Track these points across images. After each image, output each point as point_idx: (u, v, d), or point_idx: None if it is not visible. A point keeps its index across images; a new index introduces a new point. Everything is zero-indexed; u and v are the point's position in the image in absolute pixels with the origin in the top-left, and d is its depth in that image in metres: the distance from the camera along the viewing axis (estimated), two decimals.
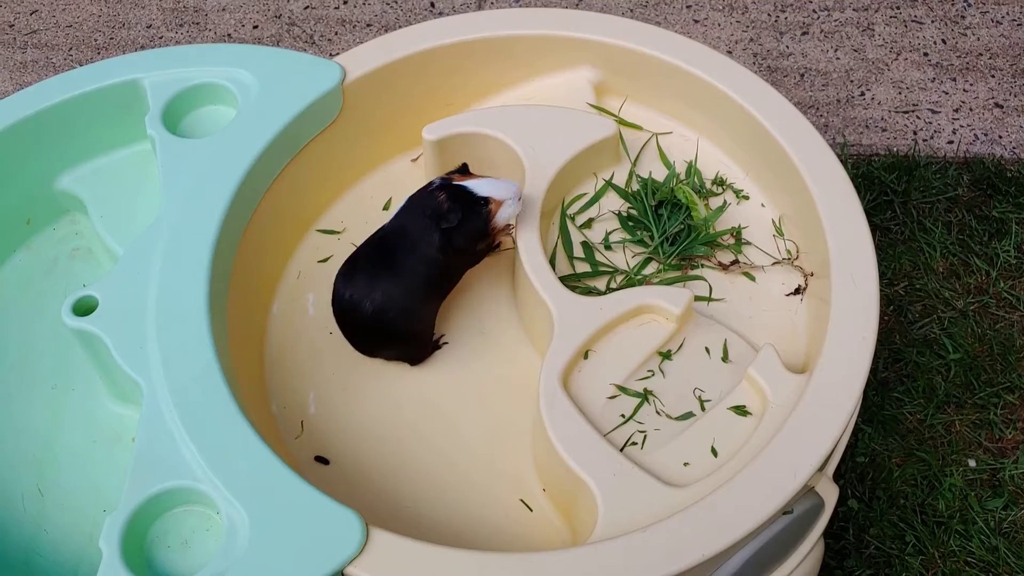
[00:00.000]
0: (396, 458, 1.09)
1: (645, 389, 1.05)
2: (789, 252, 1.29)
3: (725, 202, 1.34)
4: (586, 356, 1.14)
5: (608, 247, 1.29)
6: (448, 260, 1.08)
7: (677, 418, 1.11)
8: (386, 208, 1.38)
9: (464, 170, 1.17)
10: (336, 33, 2.08)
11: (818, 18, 2.08)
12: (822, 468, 1.02)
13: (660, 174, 1.36)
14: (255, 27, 2.11)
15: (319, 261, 1.27)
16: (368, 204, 1.39)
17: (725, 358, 1.16)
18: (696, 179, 1.35)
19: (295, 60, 1.34)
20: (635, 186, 1.34)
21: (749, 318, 1.23)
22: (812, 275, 1.24)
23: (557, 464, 1.04)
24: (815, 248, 1.21)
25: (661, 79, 1.37)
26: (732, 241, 1.29)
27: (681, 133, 1.40)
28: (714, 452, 1.07)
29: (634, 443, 1.08)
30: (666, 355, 1.15)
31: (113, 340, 1.08)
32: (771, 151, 1.26)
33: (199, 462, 0.98)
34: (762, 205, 1.34)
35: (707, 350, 1.16)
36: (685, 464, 1.06)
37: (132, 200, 1.33)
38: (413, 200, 1.16)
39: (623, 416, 1.10)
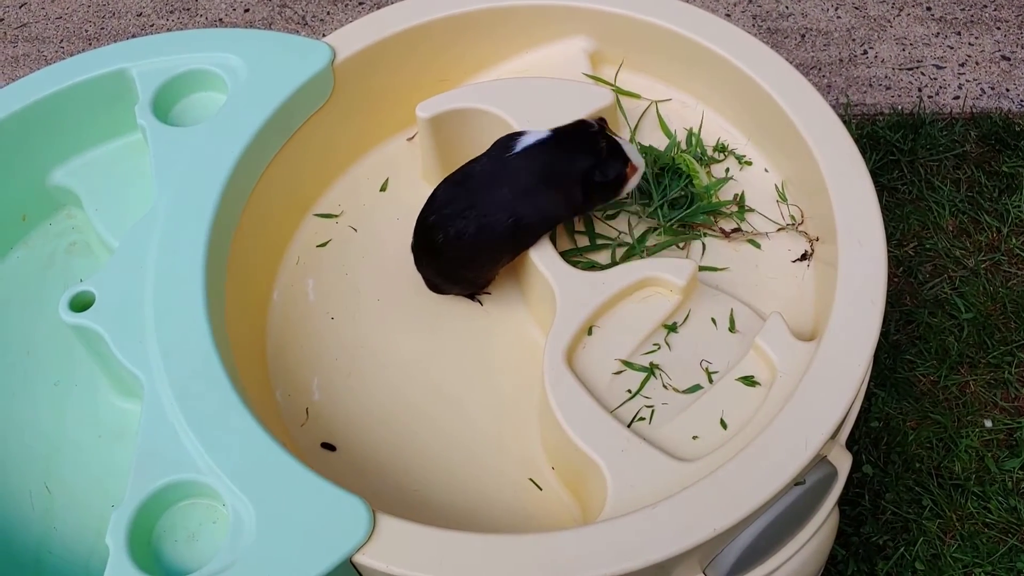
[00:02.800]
0: (403, 441, 1.08)
1: (651, 363, 1.04)
2: (793, 218, 1.26)
3: (727, 170, 1.31)
4: (590, 332, 1.12)
5: (609, 218, 1.27)
6: (576, 207, 1.09)
7: (684, 391, 1.09)
8: (383, 189, 1.36)
9: (605, 121, 1.14)
10: (328, 13, 2.05)
11: None
12: (834, 436, 1.00)
13: (661, 143, 1.33)
14: (247, 10, 2.08)
15: (318, 246, 1.27)
16: (365, 186, 1.38)
17: (732, 328, 1.14)
18: (698, 147, 1.33)
19: (283, 42, 1.32)
20: None
21: (755, 286, 1.21)
22: (818, 240, 1.21)
23: (565, 443, 1.03)
24: (820, 212, 1.18)
25: (658, 45, 1.34)
26: (735, 208, 1.27)
27: (681, 100, 1.38)
28: (723, 424, 1.05)
29: (642, 418, 1.07)
30: (671, 328, 1.13)
31: (111, 335, 1.07)
32: (772, 115, 1.23)
33: (202, 455, 0.97)
34: (765, 171, 1.31)
35: (713, 321, 1.14)
36: (694, 438, 1.05)
37: (127, 192, 1.31)
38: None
39: (630, 391, 1.09)
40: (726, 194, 1.27)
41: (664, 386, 1.09)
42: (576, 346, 1.10)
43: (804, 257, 1.23)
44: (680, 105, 1.37)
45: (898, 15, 1.91)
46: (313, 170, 1.27)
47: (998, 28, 1.89)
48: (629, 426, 1.05)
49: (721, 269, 1.20)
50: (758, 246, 1.24)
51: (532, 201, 1.09)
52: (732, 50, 1.26)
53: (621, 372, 1.10)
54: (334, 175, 1.33)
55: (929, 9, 1.92)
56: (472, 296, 1.18)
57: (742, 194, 1.28)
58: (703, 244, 1.24)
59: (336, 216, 1.31)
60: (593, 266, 1.21)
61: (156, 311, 1.08)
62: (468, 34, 1.36)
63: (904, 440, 1.41)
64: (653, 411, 1.07)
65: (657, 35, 1.32)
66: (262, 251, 1.26)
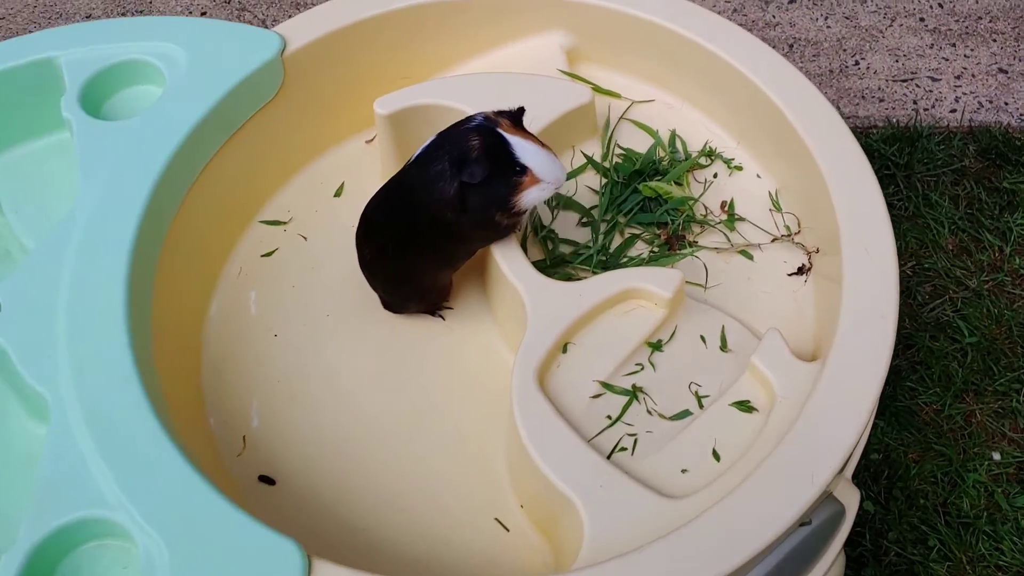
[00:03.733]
0: (351, 476, 0.95)
1: (634, 386, 0.91)
2: (788, 228, 1.14)
3: (715, 175, 1.19)
4: (565, 350, 0.99)
5: (586, 226, 1.15)
6: (458, 222, 0.93)
7: (672, 418, 0.96)
8: (338, 195, 1.24)
9: (517, 117, 0.98)
10: (290, 16, 1.92)
11: None
12: (842, 469, 0.88)
13: (643, 145, 1.22)
14: (203, 13, 1.96)
15: (263, 255, 1.16)
16: (319, 190, 1.25)
17: (724, 347, 1.01)
18: (682, 149, 1.21)
19: (229, 31, 1.20)
20: (617, 160, 1.20)
21: (748, 301, 1.09)
22: (817, 251, 1.09)
23: (535, 476, 0.90)
24: (820, 221, 1.07)
25: (640, 40, 1.23)
26: (724, 217, 1.15)
27: (664, 100, 1.26)
28: (716, 456, 0.93)
29: (623, 449, 0.94)
30: (656, 346, 1.00)
31: (16, 348, 0.94)
32: (766, 114, 1.12)
33: (112, 487, 0.83)
34: (757, 176, 1.20)
35: (703, 339, 1.02)
36: (683, 471, 0.92)
37: (51, 194, 1.18)
38: (443, 136, 0.99)
39: (609, 418, 0.96)
40: (714, 199, 1.16)
41: (648, 412, 0.96)
42: (549, 365, 0.97)
43: (801, 271, 1.11)
44: (664, 107, 1.26)
45: (890, 26, 1.81)
46: (260, 172, 1.15)
47: (994, 40, 1.80)
48: (609, 457, 0.92)
49: (713, 286, 1.08)
50: (750, 258, 1.12)
51: (425, 213, 0.97)
52: (722, 44, 1.15)
53: (600, 395, 0.97)
54: (284, 178, 1.22)
55: (922, 20, 1.83)
56: (432, 311, 1.05)
57: (731, 201, 1.16)
58: (692, 255, 1.11)
59: (284, 223, 1.19)
60: (570, 278, 1.09)
61: (69, 323, 0.94)
62: (433, 26, 1.24)
63: (907, 474, 1.29)
64: (636, 440, 0.95)
65: (640, 29, 1.21)
66: (199, 259, 1.12)
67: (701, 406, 0.97)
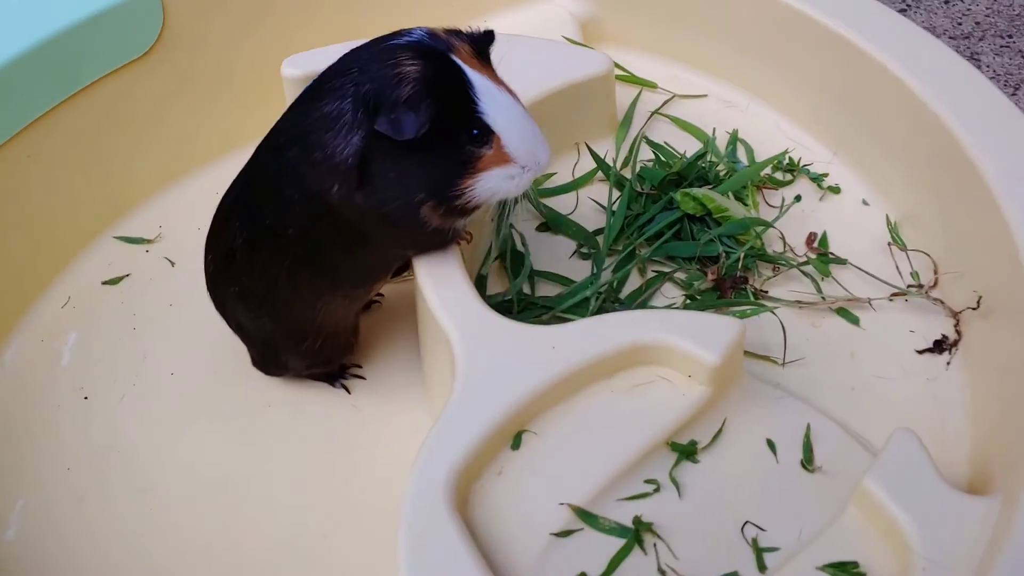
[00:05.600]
0: None
1: (638, 520, 0.47)
2: (916, 275, 0.71)
3: (798, 198, 0.77)
4: (516, 443, 0.55)
5: (587, 258, 0.72)
6: (353, 209, 0.58)
7: None
8: None
9: (481, 43, 0.60)
10: None
11: None
12: None
13: (684, 146, 0.80)
14: None
15: (105, 282, 0.84)
16: (210, 203, 0.82)
17: (808, 461, 0.57)
18: (746, 158, 0.79)
19: None
20: (643, 165, 0.79)
21: (852, 389, 0.65)
22: (975, 308, 0.65)
23: None
24: (979, 267, 0.63)
25: (692, 10, 0.83)
26: (811, 254, 0.72)
27: (722, 96, 0.85)
28: None
29: None
30: (686, 450, 0.56)
31: None
32: (897, 115, 0.73)
33: None
34: (864, 203, 0.77)
35: (771, 445, 0.57)
36: None
37: None
38: (351, 56, 0.59)
39: None
40: (794, 230, 0.73)
41: (662, 571, 0.50)
42: (481, 469, 0.53)
43: (942, 346, 0.66)
44: (721, 104, 0.84)
45: (1013, 94, 1.39)
46: (119, 165, 0.86)
47: None
48: None
49: (792, 361, 0.64)
50: (855, 321, 0.68)
51: (302, 188, 0.59)
52: (841, 14, 0.75)
53: (572, 532, 0.52)
54: (160, 179, 0.90)
55: None
56: (330, 376, 0.75)
57: (823, 235, 0.73)
58: (759, 312, 0.68)
59: (149, 241, 0.83)
60: (541, 318, 0.66)
61: None
62: None
63: None
64: None
65: None
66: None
67: (762, 567, 0.51)
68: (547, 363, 0.57)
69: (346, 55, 0.58)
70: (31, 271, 0.80)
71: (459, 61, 0.55)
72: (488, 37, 0.59)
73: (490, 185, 0.57)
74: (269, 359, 0.71)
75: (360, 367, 0.74)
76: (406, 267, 0.79)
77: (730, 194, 0.73)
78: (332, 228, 0.59)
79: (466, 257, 0.65)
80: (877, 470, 0.51)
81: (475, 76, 0.55)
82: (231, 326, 0.70)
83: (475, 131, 0.56)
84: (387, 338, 0.77)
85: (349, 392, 0.74)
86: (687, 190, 0.72)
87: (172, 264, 0.84)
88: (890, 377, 0.66)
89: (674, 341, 0.58)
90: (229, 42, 0.87)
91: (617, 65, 0.86)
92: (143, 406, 0.74)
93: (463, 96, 0.55)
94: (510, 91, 0.58)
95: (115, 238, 0.87)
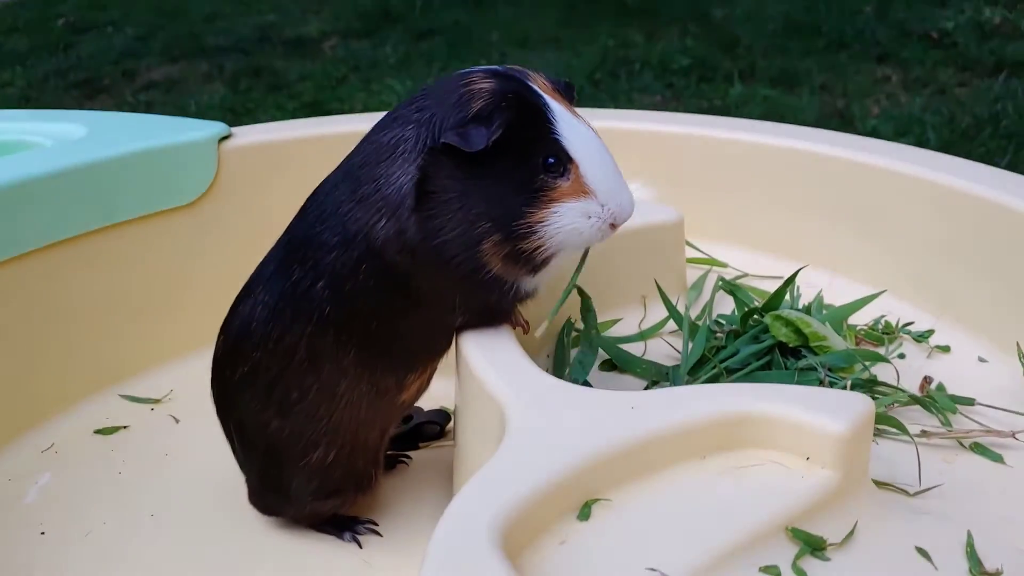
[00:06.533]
0: None
1: None
2: None
3: (901, 354, 0.68)
4: (584, 512, 0.41)
5: None
6: (407, 248, 0.50)
7: None
8: None
9: (565, 88, 0.54)
10: None
11: None
12: None
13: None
14: None
15: (98, 431, 0.74)
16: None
17: (976, 570, 0.41)
18: (831, 326, 0.70)
19: (169, 122, 0.85)
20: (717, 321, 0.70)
21: (1010, 525, 0.50)
22: None
23: None
24: None
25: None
26: (922, 393, 0.61)
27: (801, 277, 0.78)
28: None
29: None
30: (813, 542, 0.42)
31: None
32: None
33: None
34: (981, 359, 0.66)
35: (922, 552, 0.42)
36: None
37: None
38: (427, 88, 0.53)
39: None
40: (904, 379, 0.63)
41: None
42: (535, 535, 0.39)
43: None
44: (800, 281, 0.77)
45: None
46: (141, 315, 0.79)
47: None
48: None
49: (927, 488, 0.52)
50: (997, 458, 0.55)
51: (319, 235, 0.53)
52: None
53: None
54: (181, 345, 0.81)
55: None
56: (341, 528, 0.61)
57: (938, 384, 0.62)
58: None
59: (155, 401, 0.76)
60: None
61: None
62: None
63: None
64: None
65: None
66: None
67: None
68: (622, 424, 0.44)
69: (425, 87, 0.54)
70: (15, 418, 0.70)
71: (536, 88, 0.51)
72: (569, 87, 0.54)
73: (564, 222, 0.49)
74: (268, 482, 0.58)
75: (376, 524, 0.61)
76: (442, 434, 0.68)
77: (827, 324, 0.63)
78: (369, 280, 0.50)
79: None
80: None
81: (553, 102, 0.50)
82: (228, 433, 0.58)
83: (550, 158, 0.49)
84: (412, 496, 0.63)
85: (361, 547, 0.59)
86: (779, 313, 0.62)
87: (177, 421, 0.73)
88: None
89: (788, 411, 0.45)
90: (276, 205, 0.83)
91: (700, 252, 0.80)
92: (109, 545, 0.61)
93: (539, 118, 0.49)
94: (590, 126, 0.52)
95: (120, 396, 0.76)
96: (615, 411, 0.45)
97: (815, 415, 0.45)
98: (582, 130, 0.50)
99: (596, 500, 0.43)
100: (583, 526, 0.42)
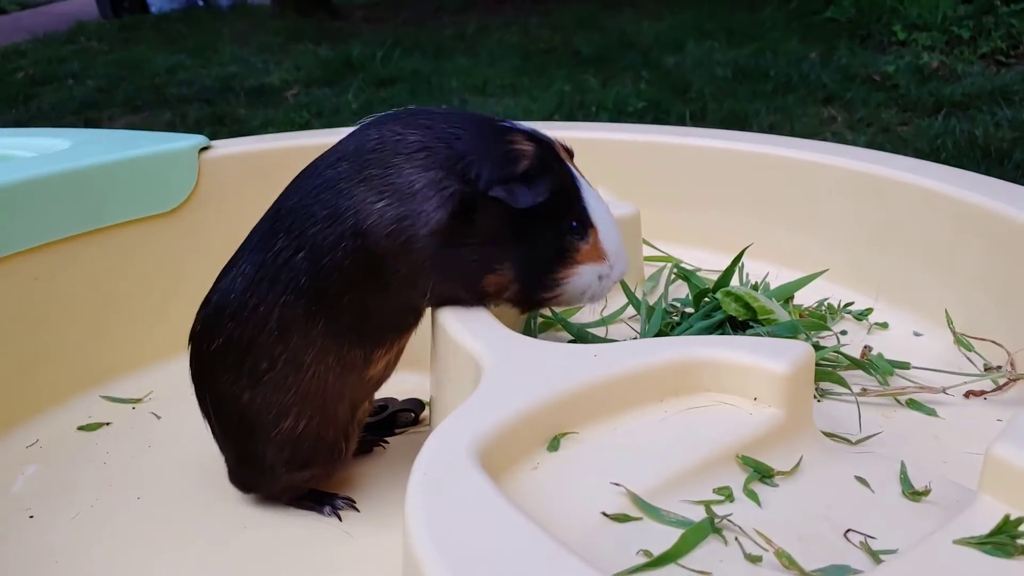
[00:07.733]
0: None
1: (710, 507, 0.43)
2: (990, 370, 0.64)
3: (843, 331, 0.73)
4: (555, 445, 0.45)
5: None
6: (408, 249, 0.55)
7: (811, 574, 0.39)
8: None
9: (569, 153, 0.59)
10: None
11: None
12: None
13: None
14: None
15: (81, 428, 0.77)
16: None
17: (908, 490, 0.46)
18: (777, 306, 0.75)
19: (150, 136, 0.88)
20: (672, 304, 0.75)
21: (943, 464, 0.54)
22: None
23: None
24: None
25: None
26: (862, 358, 0.66)
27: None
28: None
29: None
30: (761, 469, 0.47)
31: None
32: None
33: None
34: (916, 333, 0.72)
35: (862, 480, 0.47)
36: None
37: None
38: (432, 118, 0.56)
39: (648, 554, 0.39)
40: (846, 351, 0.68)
41: (751, 559, 0.39)
42: (511, 463, 0.43)
43: None
44: (750, 274, 0.82)
45: None
46: (124, 319, 0.82)
47: None
48: None
49: (870, 434, 0.56)
50: (931, 412, 0.60)
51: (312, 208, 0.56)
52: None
53: (628, 521, 0.41)
54: (162, 348, 0.83)
55: None
56: (321, 502, 0.64)
57: (879, 355, 0.68)
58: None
59: (136, 401, 0.79)
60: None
61: None
62: None
63: None
64: None
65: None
66: None
67: (877, 560, 0.39)
68: (586, 368, 0.48)
69: (425, 114, 0.57)
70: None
71: (562, 155, 0.56)
72: (570, 152, 0.59)
73: (583, 281, 0.55)
74: (244, 456, 0.60)
75: (354, 501, 0.64)
76: (416, 421, 0.72)
77: (773, 300, 0.68)
78: (346, 259, 0.54)
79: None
80: (1004, 439, 0.41)
81: (575, 171, 0.56)
82: (205, 410, 0.61)
83: (575, 222, 0.55)
84: (389, 477, 0.66)
85: (340, 519, 0.63)
86: (729, 289, 0.67)
87: (158, 418, 0.76)
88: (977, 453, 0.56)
89: (735, 356, 0.50)
90: (254, 212, 0.87)
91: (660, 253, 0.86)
92: (98, 525, 0.63)
93: (570, 185, 0.55)
94: (598, 193, 0.58)
95: (101, 397, 0.78)
96: (580, 359, 0.49)
97: (760, 358, 0.49)
98: (597, 199, 0.56)
99: (565, 434, 0.47)
100: (553, 455, 0.45)
